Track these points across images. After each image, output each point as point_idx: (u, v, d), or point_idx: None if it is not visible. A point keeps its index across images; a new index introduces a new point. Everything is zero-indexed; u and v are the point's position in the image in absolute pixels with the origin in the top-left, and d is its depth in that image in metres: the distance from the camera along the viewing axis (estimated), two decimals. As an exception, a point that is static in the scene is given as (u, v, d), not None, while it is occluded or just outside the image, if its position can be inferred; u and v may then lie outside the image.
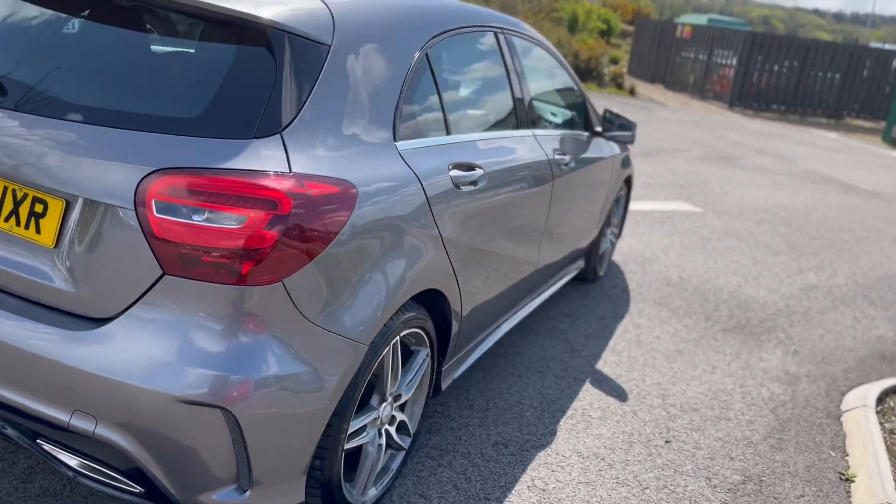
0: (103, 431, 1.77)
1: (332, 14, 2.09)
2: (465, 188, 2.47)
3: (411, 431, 2.55)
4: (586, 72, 18.79)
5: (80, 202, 1.80)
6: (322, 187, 1.87)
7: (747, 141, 13.68)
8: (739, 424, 3.38)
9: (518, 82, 3.12)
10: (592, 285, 4.86)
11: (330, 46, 2.04)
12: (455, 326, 2.64)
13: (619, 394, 3.49)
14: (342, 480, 2.15)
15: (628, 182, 4.94)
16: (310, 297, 1.86)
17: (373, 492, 2.37)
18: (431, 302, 2.49)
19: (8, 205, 1.88)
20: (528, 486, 2.69)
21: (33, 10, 2.11)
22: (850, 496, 2.96)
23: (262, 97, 1.88)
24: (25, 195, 1.85)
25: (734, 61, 19.65)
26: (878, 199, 9.62)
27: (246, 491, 1.88)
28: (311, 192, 1.84)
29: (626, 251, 5.68)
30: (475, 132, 2.75)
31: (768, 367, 4.04)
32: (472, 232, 2.56)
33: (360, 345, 1.98)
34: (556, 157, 3.33)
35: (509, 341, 3.83)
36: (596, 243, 4.57)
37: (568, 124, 3.92)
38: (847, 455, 3.26)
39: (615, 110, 4.23)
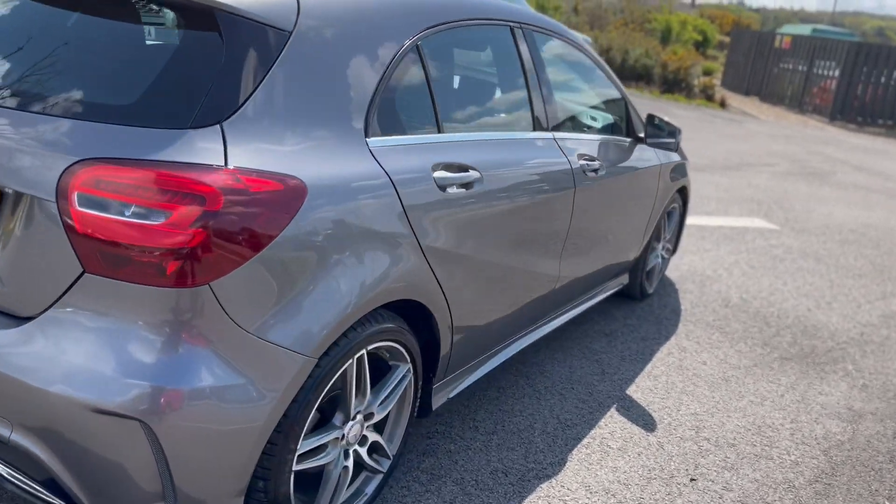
0: (18, 438, 1.66)
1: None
2: (452, 191, 2.27)
3: (390, 454, 2.36)
4: (674, 83, 18.16)
5: (9, 193, 1.71)
6: (262, 183, 1.71)
7: (845, 157, 12.82)
8: (783, 465, 3.02)
9: (536, 82, 2.89)
10: (639, 304, 4.53)
11: (291, 32, 1.89)
12: (445, 342, 2.43)
13: (647, 423, 3.18)
14: (293, 503, 1.98)
15: (683, 193, 4.59)
16: (243, 304, 1.71)
17: (339, 516, 2.19)
18: (415, 314, 2.29)
19: None
20: (521, 521, 2.45)
21: None
22: (902, 557, 2.57)
23: (205, 85, 1.74)
24: None
25: (837, 73, 18.54)
26: None
27: (170, 511, 1.73)
28: (249, 187, 1.69)
29: (685, 268, 5.30)
30: (475, 132, 2.54)
31: (828, 402, 3.63)
32: (464, 240, 2.35)
33: (305, 358, 1.81)
34: (582, 162, 3.07)
35: (533, 359, 3.58)
36: (642, 258, 4.26)
37: (606, 129, 3.65)
38: (906, 508, 2.85)
39: (665, 118, 3.92)
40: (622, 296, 4.52)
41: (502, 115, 2.84)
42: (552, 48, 3.16)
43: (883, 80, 18.53)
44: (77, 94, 1.76)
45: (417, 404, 2.44)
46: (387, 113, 2.13)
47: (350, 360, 2.01)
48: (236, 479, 1.79)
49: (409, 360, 2.29)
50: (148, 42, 1.85)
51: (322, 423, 2.09)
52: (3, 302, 1.74)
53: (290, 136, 1.84)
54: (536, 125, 2.88)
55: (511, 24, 2.83)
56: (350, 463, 2.18)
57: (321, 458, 2.06)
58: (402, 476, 2.57)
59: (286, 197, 1.75)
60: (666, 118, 3.84)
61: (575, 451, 2.89)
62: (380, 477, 2.34)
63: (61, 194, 1.62)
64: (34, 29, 1.95)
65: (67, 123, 1.70)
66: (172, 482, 1.69)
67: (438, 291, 2.28)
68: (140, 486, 1.70)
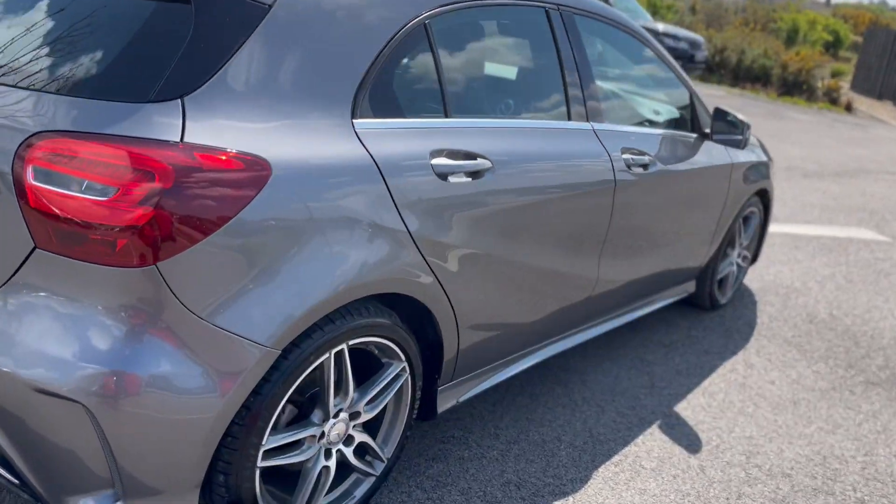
0: (-29, 415, 1.65)
1: None
2: (456, 180, 2.11)
3: (383, 456, 2.23)
4: (794, 85, 17.07)
5: None
6: (219, 161, 1.63)
7: (984, 166, 11.63)
8: (845, 502, 2.68)
9: (574, 69, 2.68)
10: (708, 314, 4.20)
11: (270, 6, 1.80)
12: (451, 343, 2.28)
13: (691, 443, 2.91)
14: (260, 501, 1.88)
15: (763, 197, 4.22)
16: (195, 288, 1.62)
17: (319, 518, 2.08)
18: (415, 312, 2.16)
19: None
20: (524, 540, 2.26)
21: None
22: None
23: (171, 57, 1.67)
24: None
25: (983, 75, 16.90)
26: None
27: (118, 501, 1.67)
28: (203, 165, 1.60)
29: (770, 279, 4.89)
30: (491, 118, 2.37)
31: (914, 435, 3.22)
32: (470, 235, 2.19)
33: (264, 348, 1.70)
34: (627, 157, 2.84)
35: (575, 366, 3.36)
36: (711, 266, 3.93)
37: (666, 123, 3.38)
38: None
39: (739, 114, 3.59)
40: (690, 305, 4.20)
41: (529, 103, 2.65)
42: (599, 34, 2.94)
43: None
44: (42, 66, 1.74)
45: (417, 406, 2.30)
46: (382, 94, 2.00)
47: (326, 355, 1.90)
48: (190, 472, 1.72)
49: (403, 359, 2.15)
50: (116, 12, 1.80)
51: (296, 420, 1.99)
52: None
53: (261, 114, 1.74)
54: (572, 115, 2.67)
55: (547, 6, 2.63)
56: (332, 463, 2.07)
57: (295, 455, 1.95)
58: (406, 481, 2.44)
59: (246, 177, 1.66)
60: (740, 116, 3.51)
61: (602, 469, 2.66)
62: (371, 480, 2.22)
63: (17, 167, 1.59)
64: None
65: (31, 96, 1.67)
66: (118, 469, 1.63)
67: (438, 288, 2.13)
68: (88, 472, 1.65)
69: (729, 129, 3.38)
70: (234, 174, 1.64)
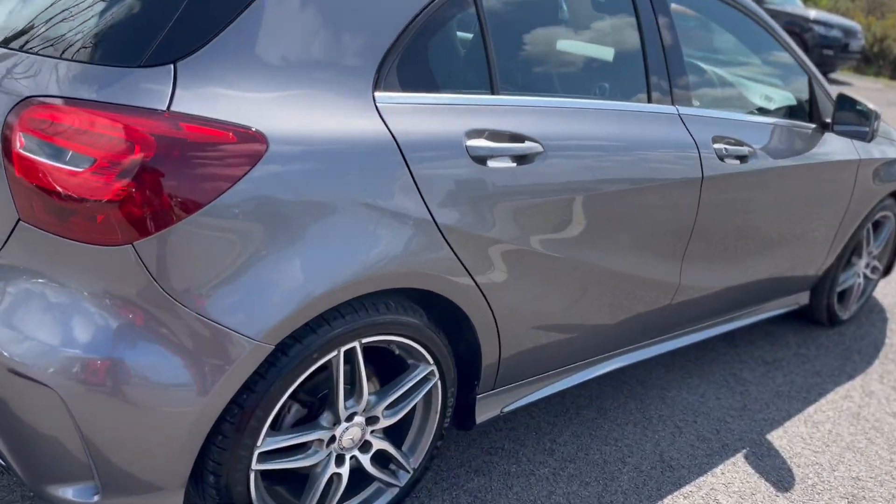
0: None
1: None
2: (496, 165, 1.87)
3: (409, 467, 2.03)
4: (878, 55, 14.87)
5: None
6: (207, 132, 1.47)
7: None
8: (969, 569, 2.22)
9: (658, 44, 2.34)
10: (825, 331, 3.71)
11: (282, -35, 1.62)
12: (490, 349, 2.04)
13: (781, 479, 2.52)
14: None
15: (899, 199, 3.67)
16: (177, 271, 1.48)
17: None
18: (445, 311, 1.94)
19: None
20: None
21: None
22: None
23: (167, 19, 1.53)
24: None
25: None
26: None
27: (96, 494, 1.56)
28: (189, 136, 1.45)
29: (908, 295, 4.29)
30: (545, 97, 2.09)
31: None
32: (514, 229, 1.93)
33: (253, 342, 1.54)
34: (719, 146, 2.48)
35: (657, 380, 3.02)
36: (830, 275, 3.45)
37: (779, 111, 2.96)
38: None
39: (869, 103, 3.11)
40: (803, 319, 3.73)
41: (598, 80, 2.34)
42: (695, 5, 2.58)
43: None
44: (38, 29, 1.65)
45: (450, 414, 2.08)
46: (413, 65, 1.79)
47: (335, 352, 1.72)
48: (172, 469, 1.58)
49: (432, 362, 1.94)
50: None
51: (303, 421, 1.82)
52: None
53: (264, 82, 1.57)
54: (653, 97, 2.35)
55: (629, -29, 2.32)
56: (345, 470, 1.89)
57: (299, 458, 1.79)
58: (440, 493, 2.23)
59: (238, 151, 1.49)
60: (870, 104, 3.03)
61: (668, 500, 2.34)
62: (394, 491, 2.03)
63: (6, 134, 1.50)
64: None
65: (26, 59, 1.58)
66: (93, 461, 1.53)
67: (472, 286, 1.90)
68: (66, 462, 1.56)
69: (854, 119, 2.91)
70: (224, 147, 1.48)
